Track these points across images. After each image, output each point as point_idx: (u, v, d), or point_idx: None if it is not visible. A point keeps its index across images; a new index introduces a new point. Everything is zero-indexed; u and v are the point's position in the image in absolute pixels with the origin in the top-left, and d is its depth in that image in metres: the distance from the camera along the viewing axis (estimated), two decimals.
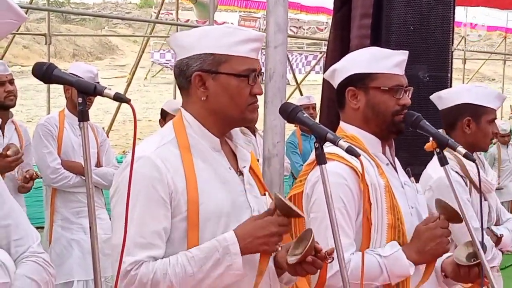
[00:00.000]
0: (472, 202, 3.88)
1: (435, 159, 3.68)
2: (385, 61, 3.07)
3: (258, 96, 2.64)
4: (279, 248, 2.60)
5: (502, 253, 4.03)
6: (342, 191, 2.88)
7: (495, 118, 3.96)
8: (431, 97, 4.13)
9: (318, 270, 2.58)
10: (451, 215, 2.94)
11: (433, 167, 3.61)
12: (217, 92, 2.58)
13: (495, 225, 4.07)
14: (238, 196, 2.61)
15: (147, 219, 2.46)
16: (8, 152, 5.25)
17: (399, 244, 2.95)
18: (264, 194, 2.73)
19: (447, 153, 3.67)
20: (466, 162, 3.89)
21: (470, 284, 3.16)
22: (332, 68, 3.20)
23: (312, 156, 3.10)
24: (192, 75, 2.59)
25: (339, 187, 2.88)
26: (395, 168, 3.15)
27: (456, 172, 3.91)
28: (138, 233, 2.44)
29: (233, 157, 2.70)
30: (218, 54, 2.57)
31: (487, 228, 4.01)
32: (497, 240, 3.98)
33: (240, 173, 2.67)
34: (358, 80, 3.07)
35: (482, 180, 3.92)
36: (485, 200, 4.01)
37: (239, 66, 2.58)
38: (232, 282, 2.50)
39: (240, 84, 2.58)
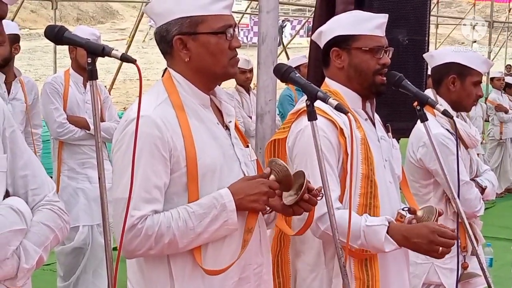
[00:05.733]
0: (462, 157, 3.84)
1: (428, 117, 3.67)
2: (366, 23, 3.05)
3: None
4: (268, 209, 2.58)
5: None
6: (322, 143, 2.79)
7: (480, 82, 3.91)
8: (424, 55, 4.10)
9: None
10: None
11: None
12: (199, 52, 2.53)
13: (475, 177, 4.04)
14: (227, 150, 2.58)
15: (150, 175, 2.42)
16: None
17: (371, 194, 2.95)
18: (247, 146, 2.70)
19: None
20: (456, 120, 3.85)
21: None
22: (319, 30, 3.17)
23: (298, 105, 3.10)
24: (173, 40, 2.53)
25: (319, 139, 2.86)
26: (373, 123, 3.13)
27: (447, 129, 3.87)
28: (143, 188, 2.40)
29: (218, 112, 2.66)
30: (194, 16, 2.51)
31: (473, 180, 3.99)
32: (482, 191, 3.96)
33: (226, 128, 2.64)
34: (342, 41, 3.05)
35: (469, 136, 3.91)
36: (468, 154, 4.00)
37: (216, 24, 2.53)
38: (224, 236, 2.48)
39: (219, 41, 2.53)
